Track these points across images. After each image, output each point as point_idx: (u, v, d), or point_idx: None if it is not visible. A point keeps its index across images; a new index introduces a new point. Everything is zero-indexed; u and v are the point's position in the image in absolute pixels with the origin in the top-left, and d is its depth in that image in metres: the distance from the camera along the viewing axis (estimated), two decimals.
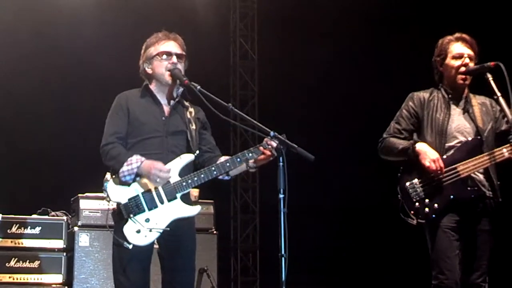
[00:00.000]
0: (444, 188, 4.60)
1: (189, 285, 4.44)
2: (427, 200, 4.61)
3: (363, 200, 10.06)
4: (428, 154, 4.59)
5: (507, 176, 4.86)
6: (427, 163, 4.57)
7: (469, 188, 4.62)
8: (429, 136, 4.73)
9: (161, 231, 4.19)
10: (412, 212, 4.65)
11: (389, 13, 10.08)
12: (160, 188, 4.22)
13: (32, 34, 8.86)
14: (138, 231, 4.16)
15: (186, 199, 4.29)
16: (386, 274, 10.09)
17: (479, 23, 8.45)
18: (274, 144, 4.11)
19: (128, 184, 4.20)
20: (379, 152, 4.91)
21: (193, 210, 4.29)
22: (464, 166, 4.60)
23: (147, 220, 4.18)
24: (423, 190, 4.63)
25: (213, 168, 4.26)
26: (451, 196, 4.59)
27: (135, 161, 4.17)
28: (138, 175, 4.19)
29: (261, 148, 4.20)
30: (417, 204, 4.63)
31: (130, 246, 4.16)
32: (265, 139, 4.17)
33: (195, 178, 4.24)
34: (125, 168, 4.17)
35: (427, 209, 4.60)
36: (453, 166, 4.60)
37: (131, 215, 4.17)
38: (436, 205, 4.59)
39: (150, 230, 4.17)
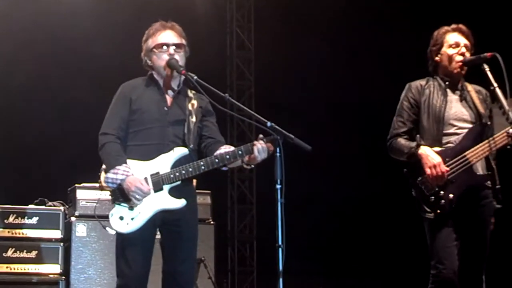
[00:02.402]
0: (457, 178, 4.55)
1: (190, 275, 4.45)
2: (442, 192, 4.55)
3: (360, 190, 10.08)
4: (429, 159, 4.55)
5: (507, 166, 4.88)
6: (427, 170, 4.54)
7: (477, 174, 4.61)
8: (425, 122, 4.70)
9: (143, 221, 4.20)
10: (428, 206, 4.59)
11: (387, 5, 10.08)
12: (148, 178, 4.24)
13: (29, 24, 8.84)
14: (121, 218, 4.20)
15: (175, 191, 4.28)
16: (384, 263, 10.13)
17: (475, 15, 8.45)
18: (261, 146, 4.12)
19: None
20: (388, 152, 4.85)
21: (177, 203, 4.27)
22: (473, 153, 4.57)
23: (131, 209, 4.21)
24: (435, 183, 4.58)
25: (201, 163, 4.25)
26: (465, 185, 4.55)
27: (121, 173, 4.19)
28: (119, 185, 4.21)
29: (251, 147, 4.18)
30: (432, 198, 4.57)
31: (113, 232, 4.21)
32: (259, 137, 4.17)
33: (183, 172, 4.24)
34: (110, 175, 4.20)
35: (443, 201, 4.54)
36: (463, 155, 4.57)
37: (116, 202, 4.21)
38: (451, 195, 4.54)
39: (132, 219, 4.20)
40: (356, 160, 10.03)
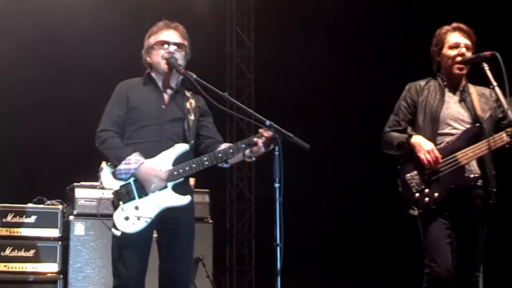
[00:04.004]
0: (444, 177, 4.58)
1: (187, 274, 4.45)
2: (427, 190, 4.59)
3: (359, 189, 10.07)
4: (422, 146, 4.58)
5: (506, 166, 4.86)
6: (421, 155, 4.57)
7: (465, 175, 4.61)
8: (421, 122, 4.72)
9: (149, 220, 4.19)
10: (412, 203, 4.64)
11: (388, 3, 10.05)
12: None
13: (28, 24, 8.82)
14: (127, 218, 4.17)
15: (178, 188, 4.27)
16: (381, 262, 10.12)
17: (477, 13, 8.45)
18: (266, 134, 4.10)
19: None
20: (381, 146, 4.90)
21: (182, 200, 4.27)
22: (464, 154, 4.58)
23: (136, 208, 4.19)
24: (423, 181, 4.61)
25: (205, 158, 4.24)
26: (452, 185, 4.57)
27: (133, 162, 4.17)
28: (133, 175, 4.19)
29: (255, 139, 4.17)
30: (417, 195, 4.61)
31: (119, 233, 4.17)
32: (260, 130, 4.15)
33: (187, 168, 4.24)
34: (122, 166, 4.17)
35: (427, 199, 4.58)
36: (453, 155, 4.59)
37: (121, 202, 4.18)
38: (436, 194, 4.57)
39: (138, 218, 4.17)
40: (355, 158, 10.01)
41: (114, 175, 4.21)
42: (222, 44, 11.07)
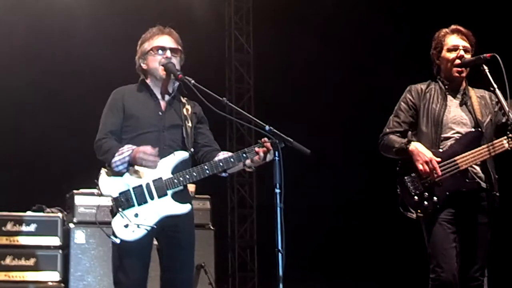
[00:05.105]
0: (443, 182, 4.55)
1: (188, 282, 4.41)
2: (426, 194, 4.57)
3: (361, 194, 10.04)
4: (421, 156, 4.56)
5: (507, 170, 4.84)
6: (420, 166, 4.55)
7: (467, 181, 4.59)
8: (424, 127, 4.70)
9: (149, 228, 4.13)
10: (411, 206, 4.61)
11: (387, 7, 10.04)
12: (151, 184, 4.17)
13: (25, 28, 8.79)
14: (126, 226, 4.11)
15: (178, 196, 4.23)
16: (384, 268, 10.08)
17: (476, 14, 8.44)
18: (268, 144, 4.07)
19: (121, 175, 4.14)
20: (379, 149, 4.87)
21: (182, 209, 4.22)
22: (464, 159, 4.56)
23: (136, 215, 4.12)
24: (422, 184, 4.59)
25: (206, 167, 4.20)
26: (451, 189, 4.55)
27: (126, 150, 4.11)
28: (130, 164, 4.12)
29: (256, 149, 4.14)
30: (416, 198, 4.59)
31: (118, 241, 4.11)
32: (262, 140, 4.12)
33: (187, 176, 4.19)
34: (116, 158, 4.10)
35: (426, 203, 4.57)
36: (452, 159, 4.57)
37: (120, 209, 4.12)
38: (435, 198, 4.55)
39: (138, 226, 4.11)
40: (355, 163, 9.98)
41: (112, 171, 4.13)
42: (221, 48, 11.04)
